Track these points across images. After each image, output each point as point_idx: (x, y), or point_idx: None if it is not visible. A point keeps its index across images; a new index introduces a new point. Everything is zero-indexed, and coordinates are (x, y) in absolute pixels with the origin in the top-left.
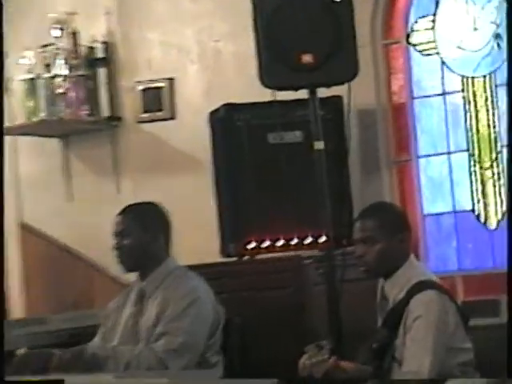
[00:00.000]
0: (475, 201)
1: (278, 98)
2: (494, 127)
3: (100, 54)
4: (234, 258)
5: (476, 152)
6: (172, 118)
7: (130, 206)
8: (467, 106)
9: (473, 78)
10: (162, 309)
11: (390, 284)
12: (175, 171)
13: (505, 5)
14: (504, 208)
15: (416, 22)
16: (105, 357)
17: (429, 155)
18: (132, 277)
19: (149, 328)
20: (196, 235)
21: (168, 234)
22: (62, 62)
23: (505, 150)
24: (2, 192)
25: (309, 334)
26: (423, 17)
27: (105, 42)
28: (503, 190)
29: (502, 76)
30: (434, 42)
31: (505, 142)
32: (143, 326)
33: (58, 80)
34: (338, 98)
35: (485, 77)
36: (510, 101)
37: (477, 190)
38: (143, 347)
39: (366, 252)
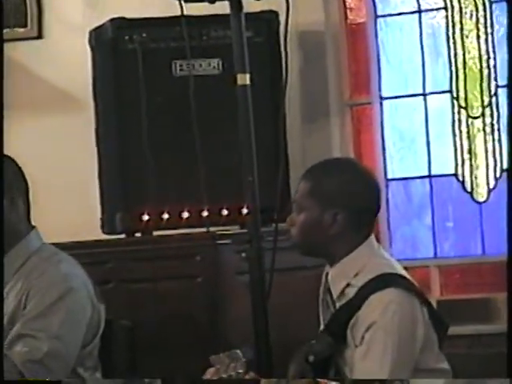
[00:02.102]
0: (459, 162)
1: (188, 13)
2: (488, 60)
3: None
4: (122, 236)
5: (462, 94)
6: (39, 37)
7: None
8: (451, 30)
9: None
10: (20, 301)
11: (335, 273)
12: (41, 112)
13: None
14: (498, 173)
15: None
16: None
17: (396, 97)
18: None
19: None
20: (67, 200)
21: (28, 199)
22: None
23: (501, 92)
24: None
25: (224, 342)
26: None
27: None
28: (497, 148)
29: None
30: None
31: (502, 81)
32: None
33: None
34: (273, 14)
35: None
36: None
37: (462, 146)
38: None
39: (294, 221)
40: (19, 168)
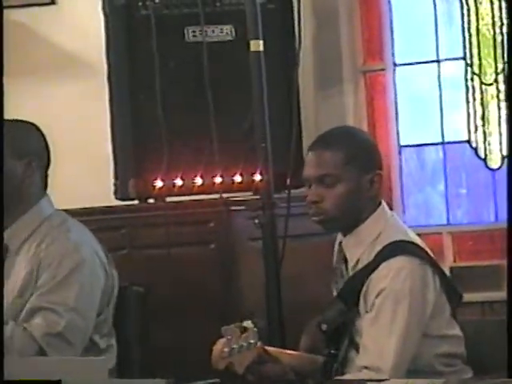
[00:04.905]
0: (472, 129)
1: None
2: (502, 26)
3: None
4: (135, 202)
5: (475, 61)
6: (51, 3)
7: None
8: None
9: None
10: (32, 273)
11: (352, 241)
12: (54, 77)
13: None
14: None
15: None
16: None
17: (410, 63)
18: None
19: (14, 300)
20: (80, 167)
21: (46, 166)
22: None
23: None
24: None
25: (237, 309)
26: None
27: None
28: None
29: None
30: None
31: None
32: (5, 297)
33: None
34: None
35: None
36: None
37: (475, 113)
38: (15, 327)
39: (324, 196)
40: (44, 137)
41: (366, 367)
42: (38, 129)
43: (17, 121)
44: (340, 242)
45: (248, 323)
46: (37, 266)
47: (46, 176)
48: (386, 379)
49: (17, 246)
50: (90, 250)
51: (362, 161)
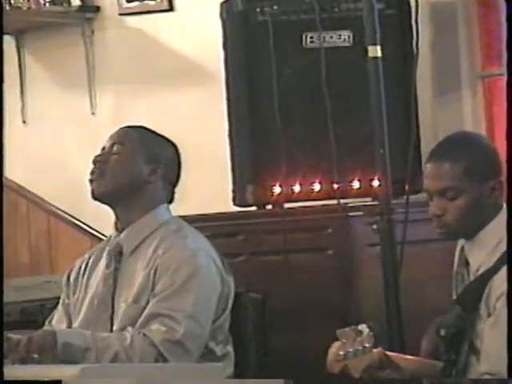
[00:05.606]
0: None
1: None
2: None
3: None
4: (253, 208)
5: None
6: (170, 10)
7: (124, 127)
8: None
9: None
10: (148, 278)
11: (474, 246)
12: (172, 84)
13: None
14: None
15: None
16: (83, 348)
17: None
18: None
19: (128, 305)
20: (198, 174)
21: (175, 181)
22: None
23: None
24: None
25: (355, 314)
26: None
27: None
28: None
29: None
30: None
31: None
32: (119, 301)
33: None
34: None
35: None
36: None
37: None
38: (135, 334)
39: (447, 209)
40: (178, 154)
41: (487, 373)
42: (175, 147)
43: (158, 134)
44: (462, 247)
45: (363, 327)
46: (153, 271)
47: (173, 191)
48: None
49: (131, 248)
50: (206, 257)
51: (483, 169)
